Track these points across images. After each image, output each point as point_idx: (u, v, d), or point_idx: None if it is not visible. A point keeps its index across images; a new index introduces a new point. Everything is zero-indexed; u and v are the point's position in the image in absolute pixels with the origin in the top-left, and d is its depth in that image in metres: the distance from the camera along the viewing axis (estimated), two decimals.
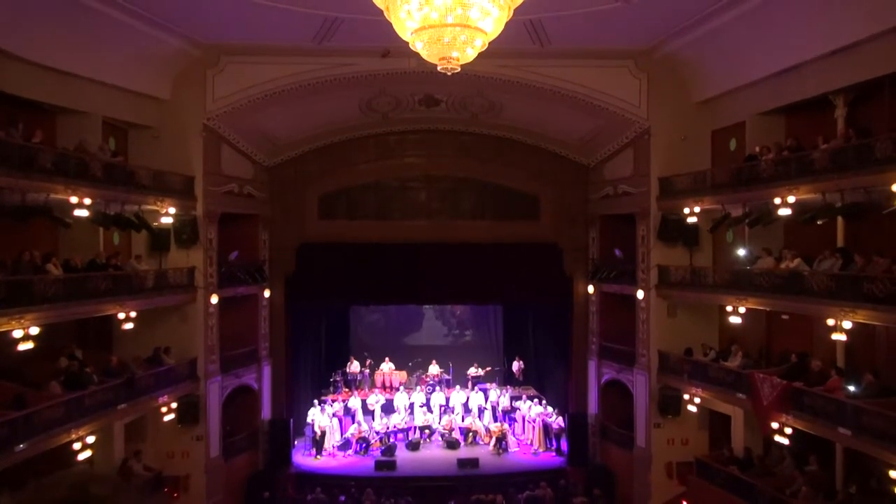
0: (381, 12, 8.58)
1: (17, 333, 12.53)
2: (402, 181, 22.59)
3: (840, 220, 14.60)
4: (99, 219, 15.20)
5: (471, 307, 27.55)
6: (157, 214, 17.11)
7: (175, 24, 16.49)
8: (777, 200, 14.63)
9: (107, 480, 0.97)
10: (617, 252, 20.71)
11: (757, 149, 16.16)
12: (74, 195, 13.90)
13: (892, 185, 11.94)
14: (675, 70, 18.55)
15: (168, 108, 18.22)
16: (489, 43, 8.52)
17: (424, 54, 8.51)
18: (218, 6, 15.39)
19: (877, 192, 12.68)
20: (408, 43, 8.59)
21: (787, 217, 14.94)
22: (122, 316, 15.74)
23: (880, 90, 13.82)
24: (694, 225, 18.36)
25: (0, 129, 12.99)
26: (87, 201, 14.20)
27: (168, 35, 16.83)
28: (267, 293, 21.42)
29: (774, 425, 14.61)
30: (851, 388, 13.49)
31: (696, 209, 17.63)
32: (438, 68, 8.59)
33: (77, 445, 13.85)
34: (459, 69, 8.57)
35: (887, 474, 12.71)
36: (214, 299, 18.83)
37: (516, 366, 24.53)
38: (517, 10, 8.57)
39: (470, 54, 8.49)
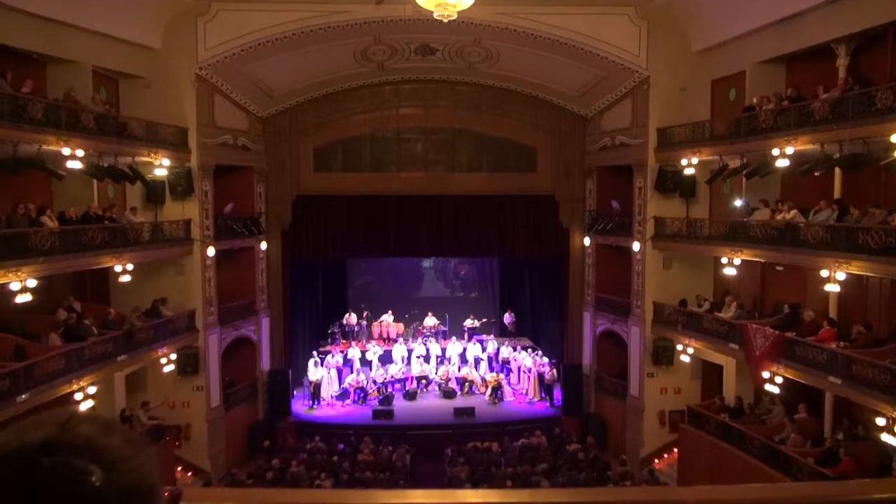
0: None
1: (15, 286, 12.57)
2: (399, 133, 22.36)
3: (838, 171, 14.56)
4: (92, 171, 15.07)
5: (470, 264, 27.68)
6: (151, 167, 16.97)
7: None
8: (775, 151, 14.55)
9: (96, 420, 0.92)
10: (614, 204, 20.68)
11: (755, 99, 15.98)
12: (67, 146, 13.75)
13: (891, 135, 11.87)
14: (675, 18, 18.21)
15: (159, 57, 17.87)
16: None
17: (420, 1, 8.32)
18: None
19: (876, 143, 12.62)
20: None
21: (785, 168, 14.88)
22: (118, 269, 15.76)
23: (884, 39, 13.63)
24: (691, 177, 18.30)
25: None
26: (80, 153, 14.06)
27: None
28: (263, 246, 21.42)
29: (766, 375, 14.86)
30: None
31: (694, 161, 17.55)
32: (435, 15, 8.41)
33: (79, 396, 14.03)
34: (456, 16, 8.39)
35: (874, 421, 12.99)
36: (211, 252, 18.84)
37: (508, 318, 24.76)
38: None
39: (466, 1, 8.30)
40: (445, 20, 8.39)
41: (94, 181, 16.24)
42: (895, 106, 11.88)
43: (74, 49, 15.52)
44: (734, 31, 16.86)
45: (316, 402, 21.28)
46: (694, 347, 17.95)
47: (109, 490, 0.82)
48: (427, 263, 28.21)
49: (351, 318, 24.14)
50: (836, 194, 14.80)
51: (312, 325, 24.14)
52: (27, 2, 13.71)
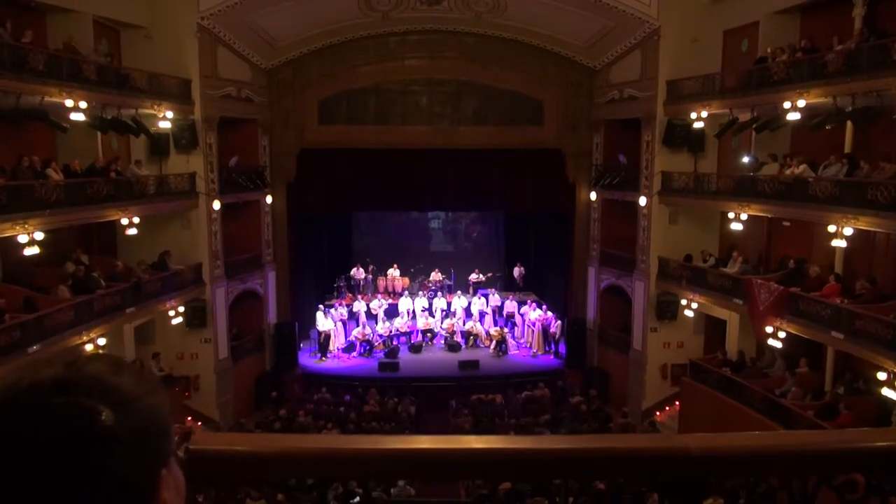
0: None
1: (23, 239, 12.63)
2: (404, 85, 22.04)
3: (849, 125, 14.34)
4: (96, 123, 14.99)
5: (478, 222, 27.53)
6: (155, 119, 16.84)
7: None
8: (787, 105, 14.32)
9: (106, 359, 0.91)
10: (621, 158, 20.49)
11: (769, 50, 15.66)
12: (69, 98, 13.63)
13: None
14: None
15: (160, 6, 17.55)
16: None
17: None
18: None
19: (890, 97, 12.40)
20: None
21: (796, 122, 14.66)
22: (125, 221, 15.79)
23: None
24: (700, 130, 18.07)
25: None
26: (83, 104, 13.94)
27: None
28: (269, 199, 21.39)
29: (769, 329, 14.94)
30: None
31: (704, 114, 17.29)
32: None
33: (89, 347, 14.24)
34: None
35: (874, 376, 13.11)
36: (217, 205, 18.83)
37: (517, 271, 24.80)
38: None
39: None
40: None
41: (98, 134, 16.14)
42: None
43: None
44: None
45: (325, 354, 21.55)
46: (698, 302, 18.01)
47: (120, 429, 0.83)
48: (435, 224, 28.05)
49: (357, 272, 24.24)
50: (847, 148, 14.61)
51: (318, 279, 24.26)
52: None
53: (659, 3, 18.22)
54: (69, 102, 13.65)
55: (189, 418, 18.29)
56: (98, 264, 16.17)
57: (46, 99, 13.28)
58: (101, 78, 14.82)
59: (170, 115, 17.00)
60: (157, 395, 0.91)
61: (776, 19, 16.33)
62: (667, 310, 19.20)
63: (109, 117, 15.20)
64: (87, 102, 14.12)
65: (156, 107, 16.54)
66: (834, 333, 13.16)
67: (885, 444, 1.62)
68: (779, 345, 15.20)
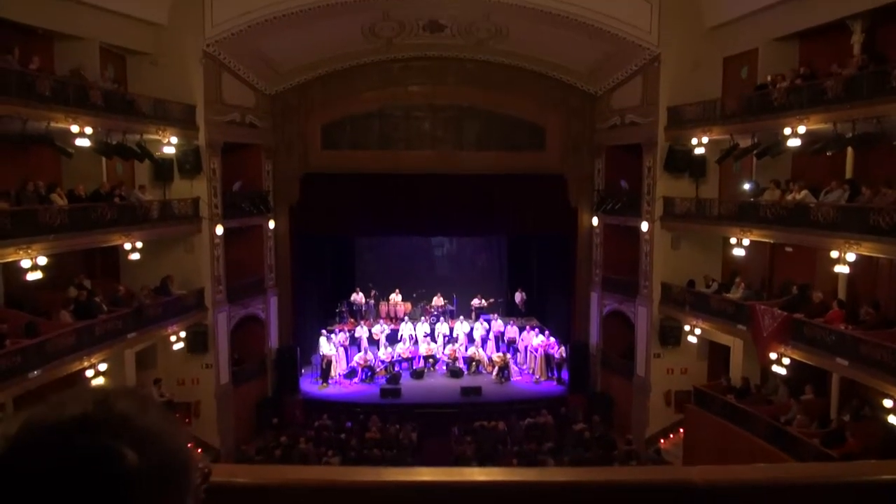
0: None
1: (26, 263, 12.65)
2: (407, 110, 22.23)
3: (850, 150, 14.39)
4: (101, 148, 15.10)
5: (480, 245, 27.43)
6: (160, 144, 16.96)
7: None
8: (787, 130, 14.38)
9: (134, 395, 0.90)
10: (623, 183, 20.56)
11: (769, 77, 15.78)
12: (75, 123, 13.75)
13: None
14: None
15: (166, 33, 17.77)
16: None
17: None
18: None
19: (890, 122, 12.45)
20: None
21: (797, 148, 14.72)
22: (128, 246, 15.83)
23: None
24: (701, 156, 18.14)
25: None
26: (88, 130, 14.06)
27: None
28: (272, 224, 21.45)
29: (773, 356, 14.84)
30: None
31: (704, 140, 17.38)
32: None
33: (90, 373, 14.18)
34: None
35: (880, 403, 12.98)
36: (220, 230, 18.88)
37: (519, 297, 24.76)
38: None
39: None
40: None
41: (103, 159, 16.25)
42: None
43: (81, 25, 15.44)
44: (748, 7, 16.59)
45: (326, 379, 21.43)
46: (701, 328, 17.93)
47: (145, 470, 0.82)
48: (438, 252, 27.91)
49: (359, 297, 24.21)
50: (848, 174, 14.64)
51: (321, 303, 24.23)
52: None
53: (659, 31, 18.42)
54: (75, 128, 13.77)
55: (189, 445, 18.08)
56: (100, 288, 16.17)
57: (52, 124, 13.39)
58: (106, 103, 14.97)
59: (174, 140, 17.13)
60: (181, 434, 0.93)
61: (775, 46, 16.48)
62: (670, 335, 19.11)
63: (114, 143, 15.32)
64: (93, 128, 14.25)
65: (161, 132, 16.68)
66: (839, 360, 13.07)
67: (892, 476, 1.60)
68: (783, 371, 15.09)
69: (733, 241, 16.49)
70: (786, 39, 16.29)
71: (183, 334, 17.92)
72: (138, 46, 17.54)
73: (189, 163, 18.00)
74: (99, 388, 0.89)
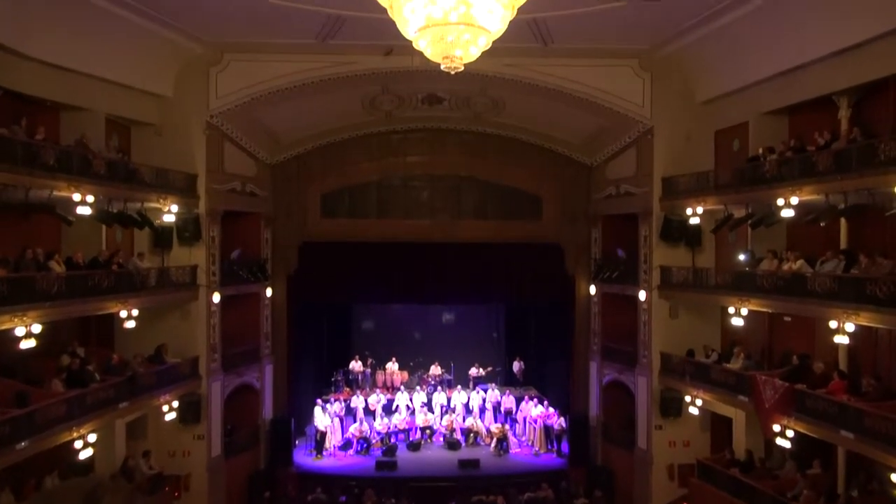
0: (384, 10, 8.55)
1: (20, 331, 12.51)
2: (405, 179, 22.60)
3: (844, 220, 14.55)
4: (102, 216, 15.20)
5: (478, 313, 27.08)
6: (160, 212, 17.11)
7: (179, 21, 16.47)
8: (780, 201, 14.56)
9: (119, 491, 0.88)
10: (619, 252, 20.68)
11: (760, 149, 16.12)
12: (77, 192, 13.88)
13: (895, 186, 11.89)
14: (678, 69, 18.51)
15: (171, 105, 18.21)
16: (493, 41, 8.47)
17: (428, 53, 8.47)
18: (222, 3, 15.37)
19: (880, 194, 12.63)
20: (411, 41, 8.56)
21: (790, 218, 14.88)
22: (124, 314, 15.72)
23: (885, 89, 13.76)
24: (696, 225, 18.32)
25: (3, 125, 12.99)
26: (90, 198, 14.17)
27: (172, 32, 16.82)
28: (269, 291, 21.41)
29: (776, 428, 14.56)
30: None
31: (699, 209, 17.59)
32: (442, 67, 8.55)
33: (79, 444, 13.83)
34: (463, 68, 8.53)
35: (888, 477, 12.66)
36: (217, 297, 18.82)
37: (517, 366, 24.49)
38: (521, 9, 8.53)
39: (473, 53, 8.44)
40: (452, 72, 8.53)
41: (103, 226, 16.35)
42: None
43: (88, 97, 15.83)
44: (737, 83, 17.10)
45: (321, 451, 20.91)
46: (702, 399, 17.66)
47: None
48: (437, 320, 27.36)
49: (355, 365, 23.93)
50: (843, 243, 14.75)
51: (316, 372, 23.90)
52: (43, 50, 14.06)
53: (652, 104, 18.92)
54: (77, 196, 13.88)
55: None
56: (94, 356, 15.96)
57: (55, 193, 13.53)
58: (109, 172, 15.14)
59: (175, 208, 17.29)
60: None
61: (765, 119, 16.89)
62: (671, 406, 18.80)
63: (115, 211, 15.44)
64: (95, 196, 14.37)
65: (162, 200, 16.85)
66: (843, 433, 12.81)
67: None
68: (787, 444, 14.78)
69: (731, 310, 16.44)
70: (775, 113, 16.71)
71: (175, 404, 17.57)
72: (143, 117, 17.93)
73: (189, 230, 18.11)
74: (87, 483, 0.86)
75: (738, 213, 16.51)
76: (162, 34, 16.65)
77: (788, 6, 14.25)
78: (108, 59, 15.81)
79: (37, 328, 12.77)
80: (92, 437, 14.23)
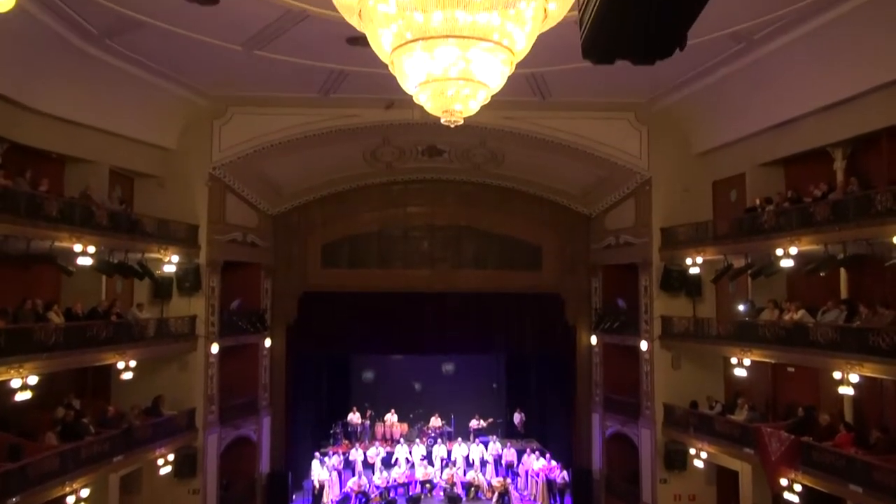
0: (385, 65, 8.74)
1: (16, 383, 12.39)
2: (405, 230, 22.71)
3: (843, 270, 14.56)
4: (102, 266, 15.22)
5: (478, 364, 26.83)
6: (161, 262, 17.14)
7: (183, 75, 16.83)
8: (779, 251, 14.62)
9: None
10: (620, 302, 20.62)
11: (757, 200, 16.25)
12: (79, 243, 13.94)
13: (893, 237, 11.94)
14: (674, 122, 18.81)
15: (174, 157, 18.45)
16: (492, 95, 8.64)
17: (428, 107, 8.62)
18: (226, 59, 15.72)
19: (879, 244, 12.68)
20: (411, 95, 8.72)
21: (790, 268, 14.90)
22: (121, 365, 15.59)
23: (878, 141, 13.96)
24: (696, 275, 18.32)
25: (8, 177, 13.13)
26: (91, 249, 14.23)
27: (176, 86, 17.16)
28: (268, 342, 21.27)
29: (784, 481, 14.27)
30: None
31: (699, 260, 17.63)
32: (442, 121, 8.69)
33: (71, 499, 13.52)
34: (462, 121, 8.67)
35: None
36: (215, 348, 18.69)
37: (518, 418, 24.14)
38: (519, 64, 8.71)
39: (473, 107, 8.59)
40: (452, 126, 8.66)
41: (104, 276, 16.35)
42: (895, 208, 12.03)
43: (93, 149, 16.04)
44: (732, 135, 17.36)
45: None
46: (707, 451, 17.36)
47: None
48: (437, 371, 27.18)
49: (354, 417, 23.58)
50: (843, 292, 14.73)
51: (315, 424, 23.54)
52: (49, 104, 14.32)
53: (649, 156, 19.17)
54: (78, 247, 13.94)
55: None
56: (89, 408, 15.75)
57: (56, 244, 13.59)
58: (111, 223, 15.25)
59: (175, 258, 17.34)
60: None
61: (761, 171, 17.09)
62: (675, 459, 18.45)
63: (116, 261, 15.47)
64: (96, 247, 14.43)
65: (163, 251, 16.91)
66: (852, 486, 12.55)
67: None
68: (796, 499, 14.45)
69: (734, 360, 16.32)
70: (771, 164, 16.92)
71: (171, 457, 17.26)
72: (146, 169, 18.14)
73: (189, 281, 18.11)
74: None
75: (738, 263, 16.53)
76: (168, 88, 17.00)
77: (781, 61, 14.58)
78: (114, 112, 16.09)
79: (33, 380, 12.65)
80: (85, 492, 13.94)
